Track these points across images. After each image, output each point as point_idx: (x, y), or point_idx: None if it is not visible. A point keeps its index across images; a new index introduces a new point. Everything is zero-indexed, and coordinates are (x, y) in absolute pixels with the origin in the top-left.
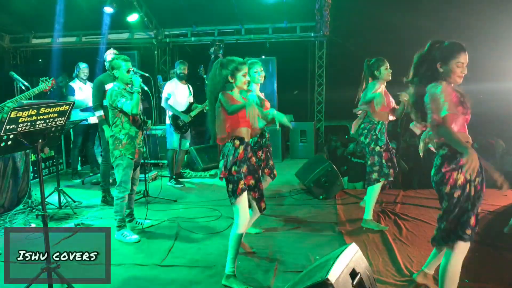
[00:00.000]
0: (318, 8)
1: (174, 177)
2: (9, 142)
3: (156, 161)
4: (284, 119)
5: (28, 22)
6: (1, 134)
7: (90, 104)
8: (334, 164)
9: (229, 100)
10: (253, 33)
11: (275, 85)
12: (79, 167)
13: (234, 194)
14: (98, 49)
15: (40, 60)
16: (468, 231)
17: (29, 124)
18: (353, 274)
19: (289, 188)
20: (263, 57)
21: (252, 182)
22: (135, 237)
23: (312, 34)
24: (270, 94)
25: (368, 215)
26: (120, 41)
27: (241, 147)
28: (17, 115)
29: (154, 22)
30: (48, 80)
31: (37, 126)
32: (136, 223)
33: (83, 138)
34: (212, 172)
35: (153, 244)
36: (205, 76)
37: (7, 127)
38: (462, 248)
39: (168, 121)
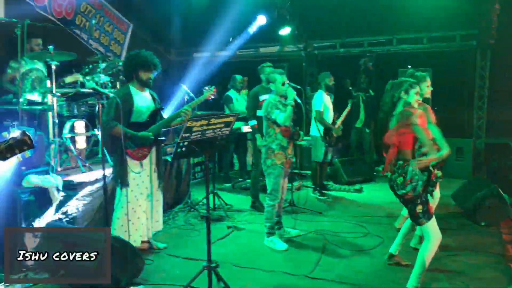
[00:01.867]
0: (483, 15)
1: (318, 188)
2: (183, 149)
3: (300, 171)
4: None
5: (190, 38)
6: (179, 141)
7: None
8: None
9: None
10: (405, 43)
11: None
12: (229, 172)
13: (426, 215)
14: (250, 62)
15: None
16: None
17: (200, 133)
18: None
19: (443, 210)
20: (410, 68)
21: None
22: (284, 245)
23: (475, 43)
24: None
25: None
26: (270, 54)
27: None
28: (192, 125)
29: (304, 35)
30: (210, 88)
31: (206, 135)
32: (284, 232)
33: (235, 145)
34: (357, 186)
35: (300, 254)
36: (350, 88)
37: (184, 135)
38: None
39: (314, 133)
